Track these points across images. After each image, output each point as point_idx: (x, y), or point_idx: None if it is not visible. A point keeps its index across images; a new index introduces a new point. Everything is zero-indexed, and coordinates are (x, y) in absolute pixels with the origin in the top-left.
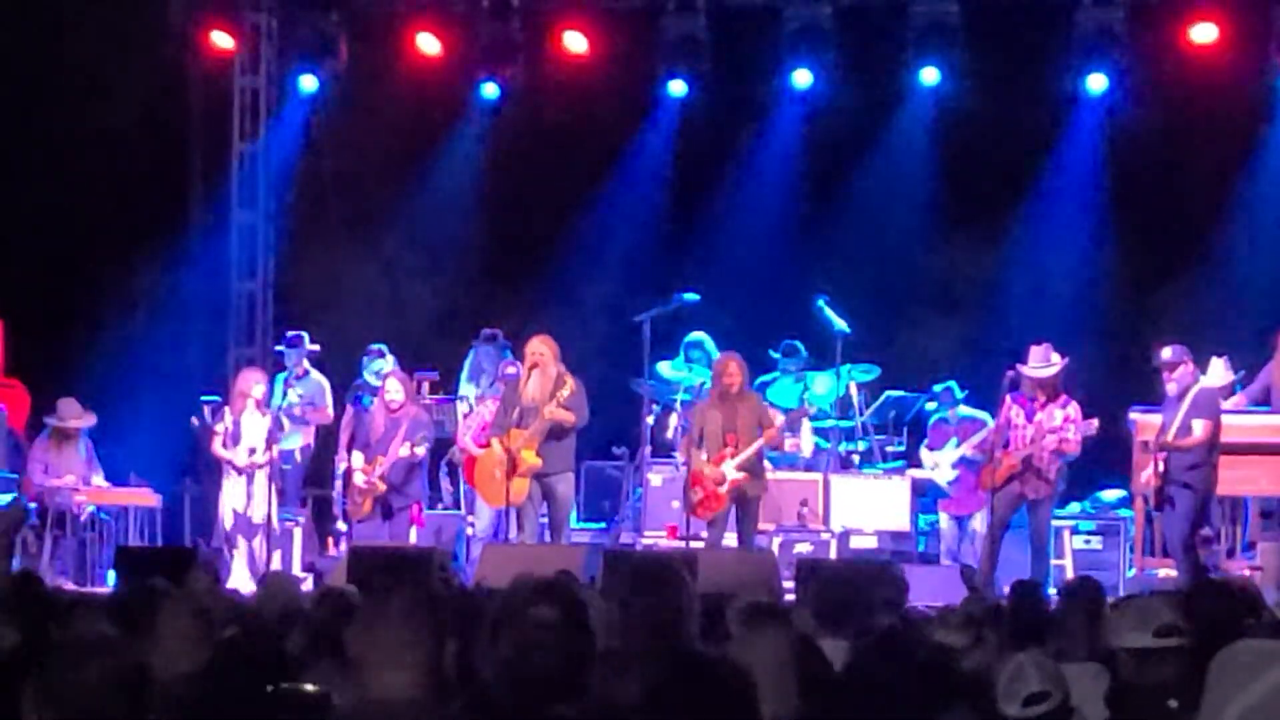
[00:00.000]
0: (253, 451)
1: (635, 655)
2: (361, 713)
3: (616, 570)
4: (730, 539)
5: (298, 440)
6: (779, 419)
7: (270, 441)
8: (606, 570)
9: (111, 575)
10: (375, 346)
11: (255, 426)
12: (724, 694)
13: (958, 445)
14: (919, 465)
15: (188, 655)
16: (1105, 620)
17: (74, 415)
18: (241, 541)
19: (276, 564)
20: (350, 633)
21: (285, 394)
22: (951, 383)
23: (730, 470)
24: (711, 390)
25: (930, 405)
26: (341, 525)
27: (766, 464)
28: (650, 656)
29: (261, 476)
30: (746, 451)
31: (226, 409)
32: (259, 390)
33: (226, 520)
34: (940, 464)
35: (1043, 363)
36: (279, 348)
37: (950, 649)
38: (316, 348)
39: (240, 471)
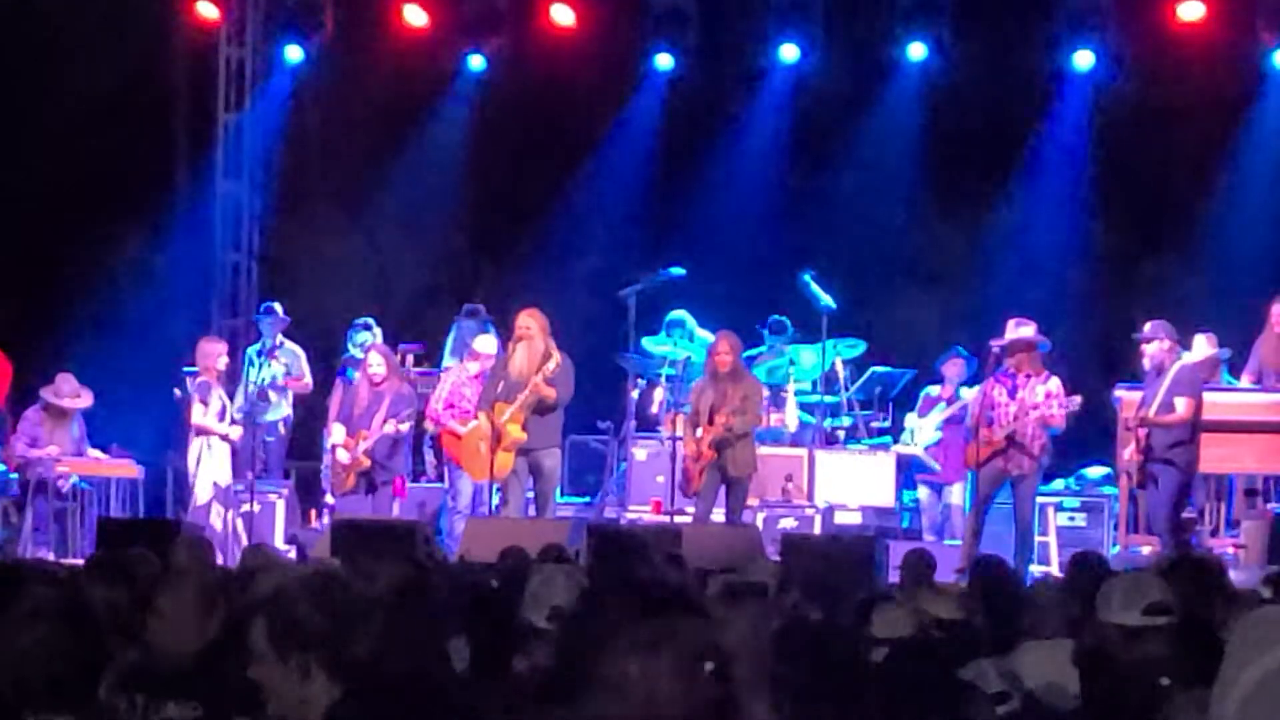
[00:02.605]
0: (233, 422)
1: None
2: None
3: (610, 544)
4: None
5: (280, 412)
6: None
7: (246, 414)
8: (591, 544)
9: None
10: (361, 320)
11: (227, 399)
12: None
13: (944, 409)
14: (901, 440)
15: (189, 632)
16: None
17: (71, 393)
18: (218, 514)
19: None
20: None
21: (265, 366)
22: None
23: (698, 444)
24: (705, 369)
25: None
26: (330, 499)
27: None
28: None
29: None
30: (712, 431)
31: (214, 387)
32: (223, 361)
33: (204, 493)
34: (923, 427)
35: (1015, 331)
36: (256, 316)
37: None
38: (287, 318)
39: (228, 442)
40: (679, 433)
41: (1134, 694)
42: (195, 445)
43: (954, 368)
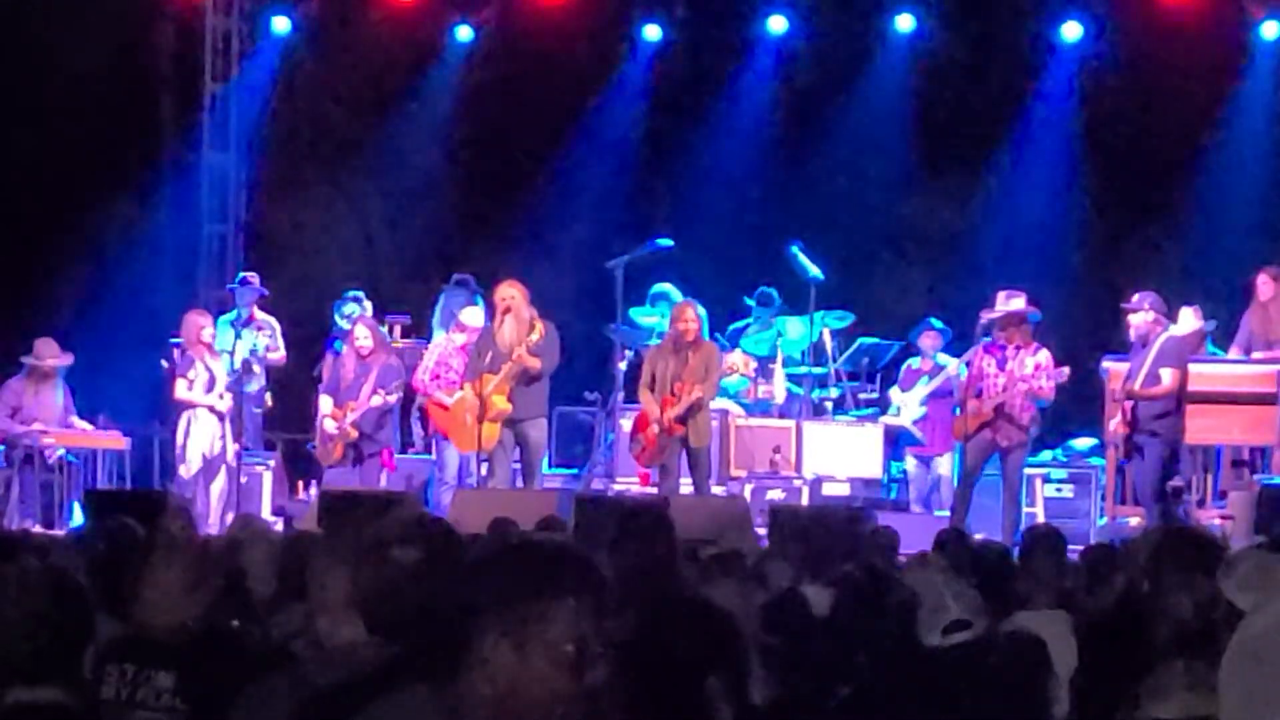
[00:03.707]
0: (222, 396)
1: (627, 597)
2: (324, 659)
3: (598, 515)
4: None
5: (259, 383)
6: (747, 366)
7: (233, 385)
8: (579, 516)
9: (76, 513)
10: (352, 293)
11: (219, 369)
12: (713, 637)
13: (928, 384)
14: (889, 413)
15: (177, 604)
16: (1069, 569)
17: (51, 354)
18: (211, 484)
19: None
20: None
21: (249, 337)
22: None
23: (667, 418)
24: (666, 335)
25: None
26: None
27: (739, 410)
28: (641, 598)
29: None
30: (682, 404)
31: (196, 359)
32: (208, 333)
33: (194, 464)
34: (908, 403)
35: (1003, 306)
36: (230, 287)
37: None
38: (262, 290)
39: (220, 416)
40: None
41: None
42: (183, 419)
43: (929, 340)
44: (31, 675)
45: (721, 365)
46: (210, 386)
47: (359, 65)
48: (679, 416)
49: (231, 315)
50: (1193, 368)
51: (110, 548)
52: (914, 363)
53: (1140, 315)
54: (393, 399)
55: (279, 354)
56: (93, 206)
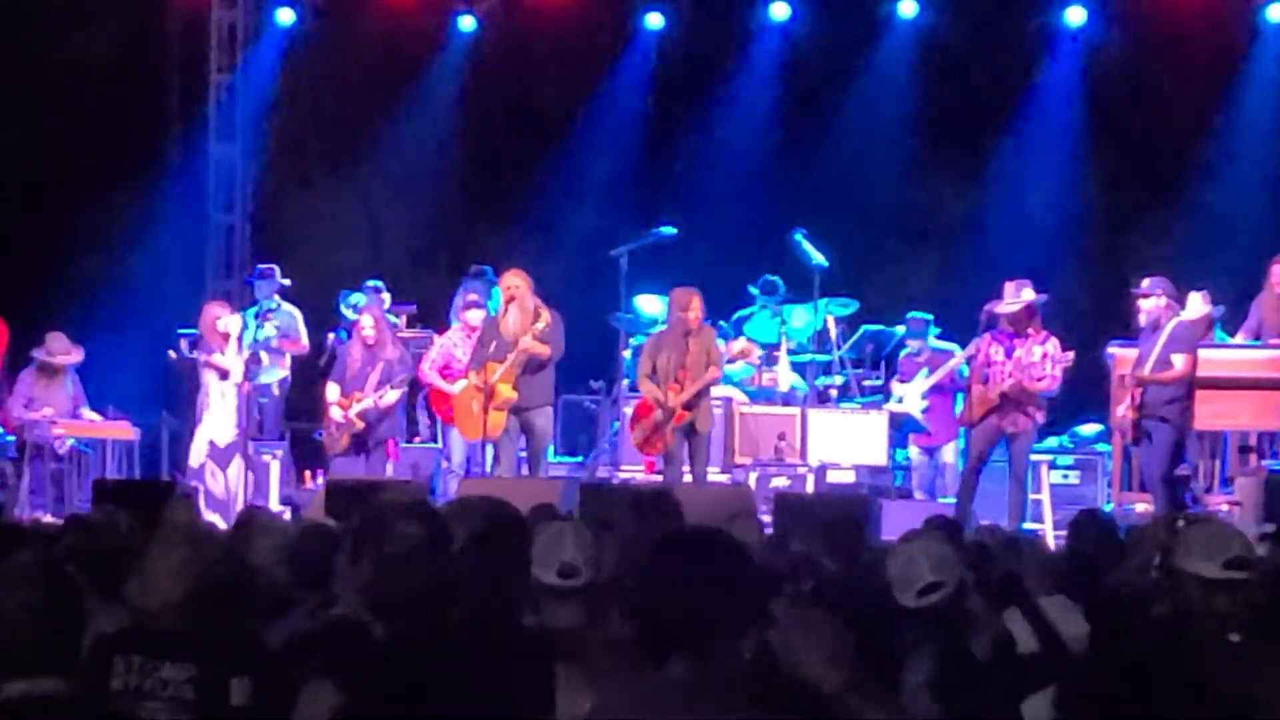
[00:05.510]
0: (238, 384)
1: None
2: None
3: (604, 503)
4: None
5: (276, 374)
6: (752, 353)
7: (247, 377)
8: (584, 503)
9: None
10: (371, 283)
11: (237, 361)
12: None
13: (928, 375)
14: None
15: (173, 589)
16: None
17: (62, 350)
18: (219, 473)
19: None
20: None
21: (260, 327)
22: (920, 313)
23: (677, 402)
24: (670, 323)
25: (901, 331)
26: None
27: (743, 397)
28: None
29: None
30: (691, 389)
31: (214, 348)
32: (223, 323)
33: (202, 452)
34: (909, 395)
35: (1013, 299)
36: (249, 280)
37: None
38: (287, 282)
39: (237, 405)
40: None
41: (1206, 647)
42: (199, 408)
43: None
44: (29, 667)
45: (721, 348)
46: (223, 377)
47: (363, 55)
48: (687, 402)
49: (256, 308)
50: (1202, 353)
51: (107, 536)
52: (912, 348)
53: (1152, 300)
54: (397, 394)
55: (300, 344)
56: (99, 198)
